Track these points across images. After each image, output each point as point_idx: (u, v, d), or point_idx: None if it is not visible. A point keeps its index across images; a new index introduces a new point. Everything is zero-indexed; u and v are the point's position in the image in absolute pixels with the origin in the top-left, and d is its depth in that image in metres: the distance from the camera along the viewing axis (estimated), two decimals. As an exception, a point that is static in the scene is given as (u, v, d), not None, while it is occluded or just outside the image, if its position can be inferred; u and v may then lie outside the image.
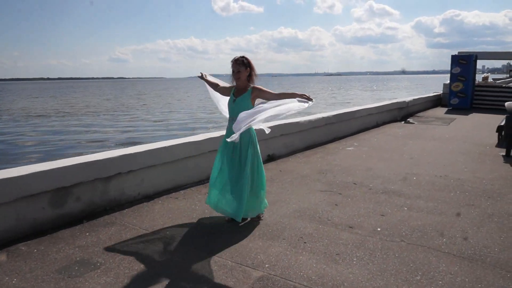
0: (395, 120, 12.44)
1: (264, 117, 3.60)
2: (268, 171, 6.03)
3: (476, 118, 13.43)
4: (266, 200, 4.26)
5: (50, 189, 3.84)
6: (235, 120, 3.60)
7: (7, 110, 33.23)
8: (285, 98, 3.82)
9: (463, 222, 4.13)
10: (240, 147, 3.97)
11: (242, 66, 3.88)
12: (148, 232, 3.89)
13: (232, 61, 3.92)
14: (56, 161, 4.06)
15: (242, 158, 3.97)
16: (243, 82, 3.96)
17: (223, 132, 4.54)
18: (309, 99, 3.81)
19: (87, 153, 5.05)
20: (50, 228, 3.88)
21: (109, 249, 3.51)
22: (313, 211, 4.47)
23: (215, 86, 4.32)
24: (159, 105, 36.56)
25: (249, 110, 3.67)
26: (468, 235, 3.80)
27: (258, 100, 3.99)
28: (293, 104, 3.74)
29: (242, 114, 3.57)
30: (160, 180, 4.99)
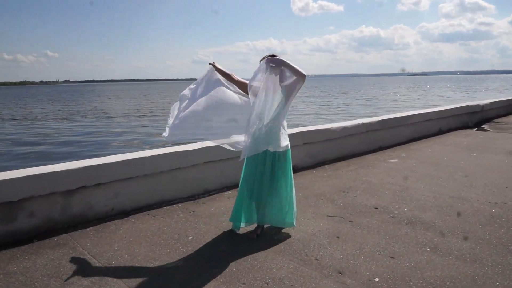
0: (465, 127, 10.68)
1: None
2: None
3: None
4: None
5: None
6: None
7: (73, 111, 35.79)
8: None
9: (509, 279, 2.95)
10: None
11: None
12: (92, 260, 3.30)
13: (261, 60, 3.53)
14: (1, 173, 3.65)
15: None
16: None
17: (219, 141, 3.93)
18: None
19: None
20: (-5, 246, 3.48)
21: (33, 280, 2.98)
22: (304, 244, 3.57)
23: (229, 77, 3.79)
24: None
25: None
26: (504, 301, 2.66)
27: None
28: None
29: None
30: (141, 194, 4.42)
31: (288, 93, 3.47)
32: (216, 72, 3.80)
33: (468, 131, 10.13)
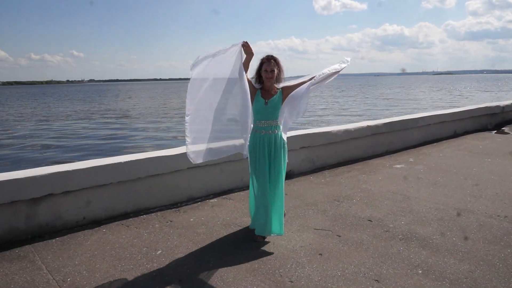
0: (484, 129, 10.06)
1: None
2: (264, 195, 4.87)
3: None
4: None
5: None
6: (269, 124, 3.51)
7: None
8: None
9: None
10: (274, 152, 3.55)
11: (276, 65, 3.49)
12: (46, 277, 3.04)
13: (264, 59, 3.50)
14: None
15: (275, 165, 3.55)
16: (273, 83, 3.54)
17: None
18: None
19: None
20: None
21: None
22: (280, 262, 3.22)
23: (246, 68, 3.44)
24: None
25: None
26: None
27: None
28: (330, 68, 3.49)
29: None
30: (116, 202, 4.16)
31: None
32: (242, 56, 3.37)
33: (486, 133, 9.52)
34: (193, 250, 3.47)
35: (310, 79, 3.50)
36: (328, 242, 3.59)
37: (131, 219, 4.16)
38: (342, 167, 6.30)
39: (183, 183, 4.62)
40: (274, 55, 3.51)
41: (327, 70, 3.54)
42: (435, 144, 8.20)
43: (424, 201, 4.63)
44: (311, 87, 3.47)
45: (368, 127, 6.83)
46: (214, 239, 3.69)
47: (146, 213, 4.30)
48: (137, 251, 3.45)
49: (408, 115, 8.55)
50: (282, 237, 3.66)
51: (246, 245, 3.55)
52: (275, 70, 3.48)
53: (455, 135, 9.10)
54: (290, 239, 3.65)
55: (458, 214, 4.21)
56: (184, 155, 4.44)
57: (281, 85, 3.60)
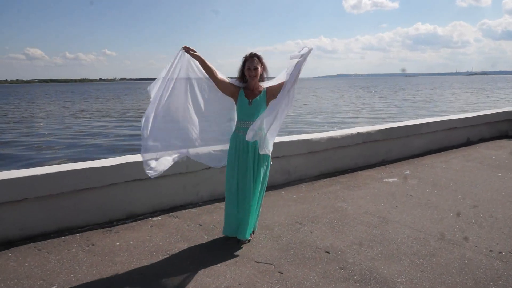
0: (503, 136, 9.03)
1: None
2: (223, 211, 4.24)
3: None
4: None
5: None
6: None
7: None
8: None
9: None
10: (257, 156, 3.39)
11: (259, 63, 3.34)
12: None
13: (247, 57, 3.35)
14: None
15: (257, 166, 3.40)
16: (257, 81, 3.38)
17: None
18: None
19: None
20: None
21: None
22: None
23: (209, 71, 3.37)
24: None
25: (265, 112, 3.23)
26: None
27: None
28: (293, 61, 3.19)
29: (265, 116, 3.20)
30: (33, 220, 3.61)
31: None
32: (190, 61, 3.37)
33: (505, 141, 8.49)
34: (96, 286, 2.86)
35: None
36: (264, 281, 2.91)
37: (49, 240, 3.59)
38: (324, 179, 5.56)
39: (122, 198, 4.04)
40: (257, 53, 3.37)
41: (294, 61, 3.21)
42: (442, 153, 7.30)
43: (404, 227, 3.86)
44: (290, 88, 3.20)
45: (358, 134, 6.05)
46: (128, 270, 3.07)
47: (72, 233, 3.73)
48: (29, 285, 2.87)
49: (409, 120, 7.68)
50: (210, 271, 3.02)
51: (162, 280, 2.92)
52: (259, 68, 3.32)
53: (468, 143, 8.15)
54: (219, 275, 2.99)
55: (439, 248, 3.43)
56: (120, 167, 3.88)
57: (266, 84, 3.43)
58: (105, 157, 4.39)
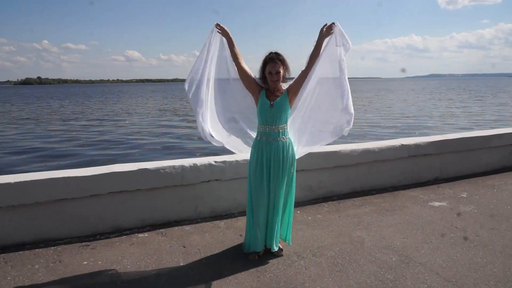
0: None
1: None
2: (225, 232, 3.76)
3: None
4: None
5: None
6: (276, 129, 3.09)
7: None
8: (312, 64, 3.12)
9: None
10: (282, 164, 3.13)
11: (281, 65, 3.07)
12: None
13: (268, 58, 3.07)
14: None
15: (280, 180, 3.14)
16: (278, 84, 3.15)
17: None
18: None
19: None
20: None
21: None
22: None
23: (234, 55, 3.21)
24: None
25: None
26: None
27: None
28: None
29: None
30: (7, 230, 3.44)
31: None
32: (223, 40, 3.23)
33: None
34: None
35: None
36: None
37: (21, 252, 3.38)
38: (355, 199, 4.76)
39: (106, 211, 3.73)
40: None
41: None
42: (519, 171, 5.98)
43: (429, 273, 3.00)
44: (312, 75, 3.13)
45: (402, 146, 5.12)
46: (74, 300, 2.71)
47: (47, 246, 3.49)
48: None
49: (475, 131, 6.43)
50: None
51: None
52: (281, 71, 3.06)
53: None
54: (165, 319, 2.49)
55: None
56: (102, 177, 3.58)
57: (286, 85, 3.19)
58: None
